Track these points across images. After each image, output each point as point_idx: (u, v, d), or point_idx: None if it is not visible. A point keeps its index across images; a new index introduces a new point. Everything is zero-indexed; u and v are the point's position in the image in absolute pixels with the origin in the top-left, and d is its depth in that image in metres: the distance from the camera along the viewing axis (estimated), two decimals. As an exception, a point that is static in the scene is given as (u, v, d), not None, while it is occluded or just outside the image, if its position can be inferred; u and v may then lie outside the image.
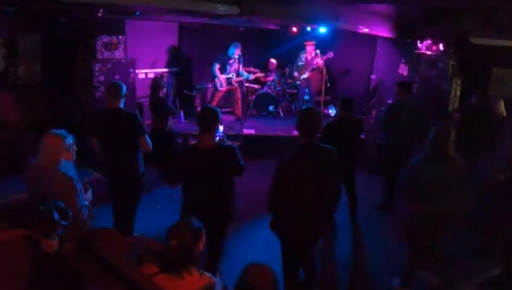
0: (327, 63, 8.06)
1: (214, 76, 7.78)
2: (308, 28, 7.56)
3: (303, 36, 8.15)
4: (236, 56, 7.83)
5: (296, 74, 8.33)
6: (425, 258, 3.80)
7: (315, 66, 7.96)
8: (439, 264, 3.93)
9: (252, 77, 8.36)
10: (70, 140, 3.00)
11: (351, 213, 5.21)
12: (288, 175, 3.00)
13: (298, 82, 8.36)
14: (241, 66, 8.03)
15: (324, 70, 7.94)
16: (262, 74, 8.70)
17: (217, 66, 7.72)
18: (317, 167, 3.03)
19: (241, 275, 2.11)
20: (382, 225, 5.21)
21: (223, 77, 7.77)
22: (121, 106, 4.03)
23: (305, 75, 8.10)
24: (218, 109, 3.41)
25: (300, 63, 8.19)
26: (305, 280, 3.57)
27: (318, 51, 8.00)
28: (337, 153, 3.17)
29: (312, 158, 3.05)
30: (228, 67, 7.83)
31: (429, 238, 3.60)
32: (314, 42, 8.04)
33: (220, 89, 7.85)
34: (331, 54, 7.82)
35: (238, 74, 8.03)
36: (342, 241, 4.72)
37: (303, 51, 8.16)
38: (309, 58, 8.06)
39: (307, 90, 8.41)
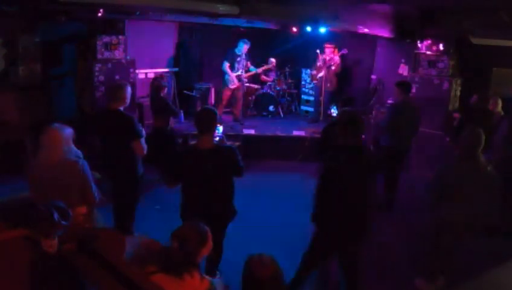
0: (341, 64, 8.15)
1: (225, 74, 7.75)
2: (308, 28, 7.55)
3: (303, 36, 8.14)
4: (245, 53, 7.79)
5: (314, 72, 8.37)
6: (445, 258, 3.79)
7: (332, 65, 8.03)
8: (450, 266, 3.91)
9: (260, 70, 8.28)
10: (69, 131, 3.13)
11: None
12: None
13: (315, 81, 8.36)
14: (249, 63, 8.01)
15: (334, 70, 8.02)
16: (269, 66, 8.58)
17: (227, 64, 7.70)
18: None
19: (244, 268, 2.10)
20: (382, 225, 5.21)
21: (234, 74, 7.75)
22: (122, 107, 4.03)
23: (321, 74, 8.09)
24: (216, 110, 3.41)
25: (318, 64, 8.24)
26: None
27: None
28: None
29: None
30: (236, 65, 7.79)
31: (452, 239, 3.59)
32: (334, 45, 8.11)
33: (232, 87, 7.84)
34: (345, 51, 7.88)
35: (248, 71, 8.00)
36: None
37: (320, 52, 8.17)
38: (327, 58, 8.11)
39: (315, 90, 8.43)
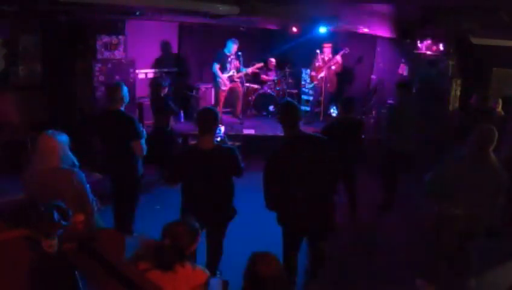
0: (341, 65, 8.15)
1: (216, 76, 7.73)
2: (308, 29, 7.56)
3: (303, 36, 8.15)
4: (235, 52, 7.75)
5: (313, 73, 8.34)
6: (450, 259, 3.78)
7: (333, 65, 8.03)
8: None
9: (249, 70, 8.24)
10: (65, 138, 3.03)
11: (350, 213, 5.21)
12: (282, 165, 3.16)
13: (315, 82, 8.33)
14: (238, 63, 7.94)
15: (335, 70, 8.05)
16: (260, 64, 8.59)
17: (217, 66, 7.66)
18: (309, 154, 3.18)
19: (247, 266, 2.11)
20: (382, 225, 5.22)
21: (225, 76, 7.73)
22: (122, 107, 4.03)
23: (322, 74, 8.09)
24: (217, 110, 3.42)
25: (317, 64, 8.22)
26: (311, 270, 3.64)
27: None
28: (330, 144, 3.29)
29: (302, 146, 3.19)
30: (228, 66, 7.75)
31: (457, 239, 3.55)
32: (331, 45, 8.12)
33: (224, 88, 7.82)
34: (346, 50, 7.88)
35: (238, 71, 7.96)
36: (341, 241, 4.71)
37: (319, 52, 8.18)
38: (326, 59, 8.11)
39: (314, 91, 8.43)
